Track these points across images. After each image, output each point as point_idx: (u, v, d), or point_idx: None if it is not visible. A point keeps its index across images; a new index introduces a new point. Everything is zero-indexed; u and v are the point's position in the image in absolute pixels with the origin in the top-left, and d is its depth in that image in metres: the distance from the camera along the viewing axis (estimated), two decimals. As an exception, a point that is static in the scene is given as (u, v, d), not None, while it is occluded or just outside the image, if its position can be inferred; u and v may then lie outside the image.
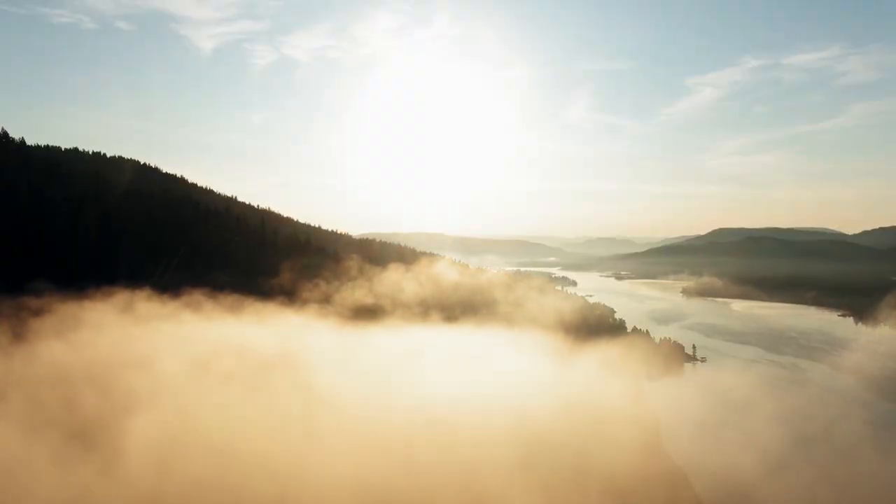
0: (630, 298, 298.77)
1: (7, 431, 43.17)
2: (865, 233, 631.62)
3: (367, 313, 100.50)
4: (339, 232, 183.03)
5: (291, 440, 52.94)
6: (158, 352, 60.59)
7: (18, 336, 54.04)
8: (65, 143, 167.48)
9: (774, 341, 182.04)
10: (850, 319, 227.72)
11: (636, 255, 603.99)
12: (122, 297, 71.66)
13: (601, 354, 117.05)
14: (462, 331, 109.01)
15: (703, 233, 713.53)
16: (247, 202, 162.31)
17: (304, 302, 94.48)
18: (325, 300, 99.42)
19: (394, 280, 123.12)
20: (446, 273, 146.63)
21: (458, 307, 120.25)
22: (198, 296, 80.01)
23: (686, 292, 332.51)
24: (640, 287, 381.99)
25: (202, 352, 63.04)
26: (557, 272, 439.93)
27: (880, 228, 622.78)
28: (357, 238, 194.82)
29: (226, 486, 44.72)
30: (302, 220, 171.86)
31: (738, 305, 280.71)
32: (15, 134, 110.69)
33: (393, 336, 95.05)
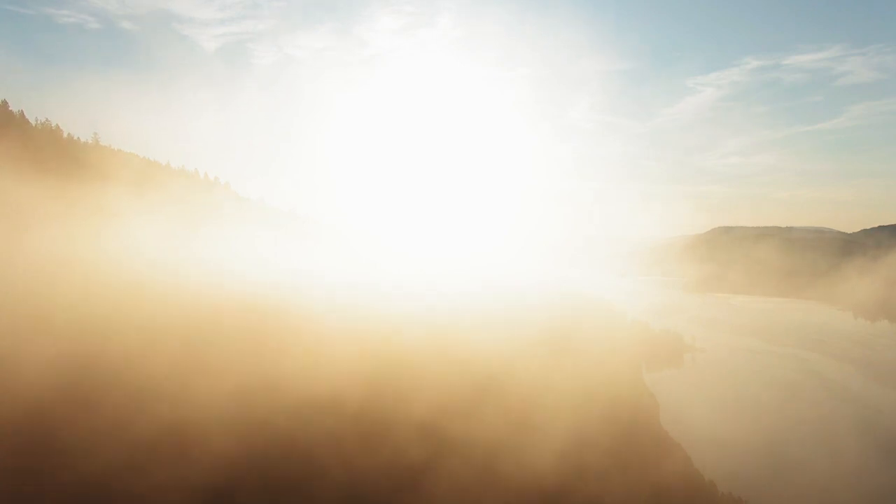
0: (631, 294, 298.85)
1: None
2: (864, 231, 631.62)
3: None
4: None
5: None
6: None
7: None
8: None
9: (774, 333, 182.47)
10: (850, 313, 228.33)
11: (636, 253, 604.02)
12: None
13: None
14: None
15: (702, 231, 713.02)
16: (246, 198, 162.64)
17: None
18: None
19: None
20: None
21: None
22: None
23: (686, 288, 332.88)
24: (641, 284, 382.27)
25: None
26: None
27: (879, 227, 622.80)
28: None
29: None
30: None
31: (738, 300, 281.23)
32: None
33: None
